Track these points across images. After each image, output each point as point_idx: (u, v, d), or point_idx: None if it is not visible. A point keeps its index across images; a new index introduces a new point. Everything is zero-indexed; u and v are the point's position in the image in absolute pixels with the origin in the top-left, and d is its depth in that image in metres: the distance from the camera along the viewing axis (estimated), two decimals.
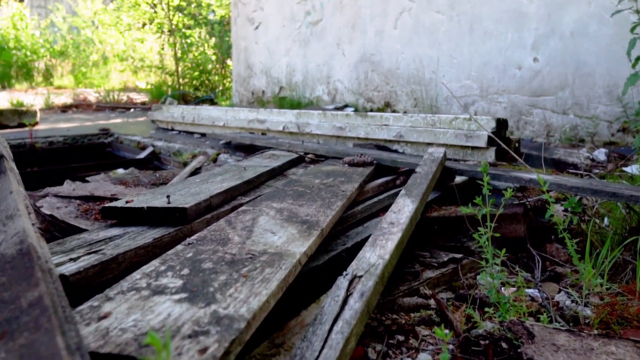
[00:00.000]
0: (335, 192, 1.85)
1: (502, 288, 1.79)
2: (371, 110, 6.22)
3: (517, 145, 3.04)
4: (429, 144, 3.20)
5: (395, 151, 3.37)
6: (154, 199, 1.53)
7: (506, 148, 2.40)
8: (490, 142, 2.91)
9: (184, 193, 1.63)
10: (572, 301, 1.68)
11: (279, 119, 4.25)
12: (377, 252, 1.35)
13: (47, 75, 14.96)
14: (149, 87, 10.44)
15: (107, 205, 1.48)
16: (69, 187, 3.02)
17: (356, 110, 6.27)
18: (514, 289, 1.82)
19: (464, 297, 1.69)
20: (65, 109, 8.14)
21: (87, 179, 3.26)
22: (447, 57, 5.47)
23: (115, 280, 1.01)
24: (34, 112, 5.84)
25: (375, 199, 2.15)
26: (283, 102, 7.23)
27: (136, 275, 0.99)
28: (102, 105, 8.36)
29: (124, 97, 9.49)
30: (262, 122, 4.39)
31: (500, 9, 4.98)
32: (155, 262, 1.06)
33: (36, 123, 5.84)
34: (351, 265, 1.29)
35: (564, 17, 4.56)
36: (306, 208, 1.58)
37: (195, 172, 3.56)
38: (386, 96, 6.13)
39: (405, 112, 5.86)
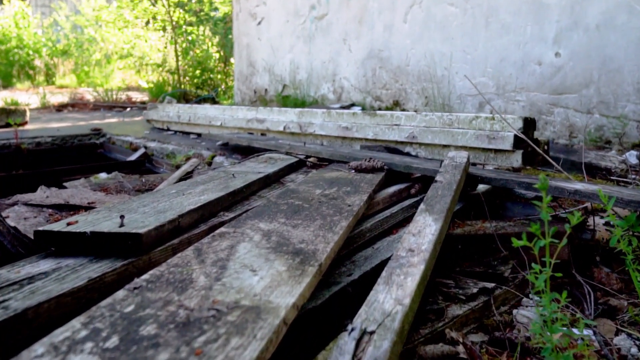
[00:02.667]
0: (339, 207, 1.50)
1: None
2: (379, 109, 5.87)
3: (545, 147, 2.69)
4: (446, 147, 2.86)
5: (408, 154, 3.02)
6: (105, 219, 1.20)
7: (541, 152, 2.05)
8: (516, 144, 2.56)
9: (148, 210, 1.29)
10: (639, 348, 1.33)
11: (280, 118, 3.91)
12: (393, 294, 1.01)
13: (49, 75, 14.75)
14: (148, 85, 10.13)
15: (40, 228, 1.15)
16: (42, 194, 2.70)
17: (363, 109, 5.92)
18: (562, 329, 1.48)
19: (500, 341, 1.35)
20: (60, 108, 7.85)
21: (64, 184, 2.94)
22: (460, 53, 5.11)
23: (21, 349, 0.68)
24: (22, 111, 5.54)
25: (387, 213, 1.81)
26: (287, 101, 6.90)
27: (38, 349, 0.65)
28: (99, 104, 8.06)
29: (122, 96, 9.19)
30: (261, 122, 4.06)
31: (518, 0, 4.62)
32: (75, 323, 0.73)
33: (25, 123, 5.54)
34: (359, 313, 0.95)
35: (588, 8, 4.19)
36: (302, 230, 1.24)
37: (186, 176, 3.23)
38: (395, 94, 5.78)
39: (416, 111, 5.51)
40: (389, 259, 1.48)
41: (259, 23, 7.56)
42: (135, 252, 1.08)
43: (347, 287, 1.25)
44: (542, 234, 1.02)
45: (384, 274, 1.11)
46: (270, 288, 0.87)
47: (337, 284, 1.26)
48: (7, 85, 13.56)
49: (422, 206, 1.51)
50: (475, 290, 1.49)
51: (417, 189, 2.14)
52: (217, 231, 1.22)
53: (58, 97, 8.88)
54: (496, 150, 2.65)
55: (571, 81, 4.35)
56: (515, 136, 2.54)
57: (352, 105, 6.06)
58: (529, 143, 2.25)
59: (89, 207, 2.58)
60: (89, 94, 9.61)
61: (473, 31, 4.98)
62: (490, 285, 1.53)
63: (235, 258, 1.02)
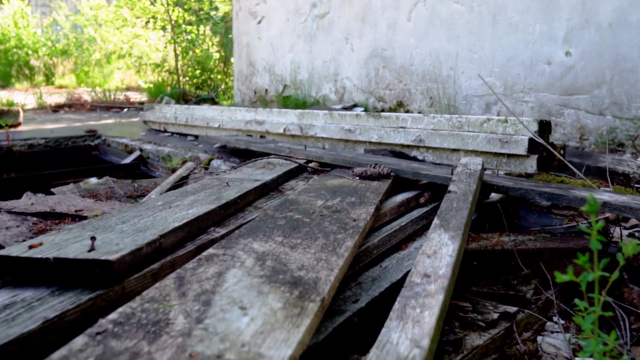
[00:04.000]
0: (343, 222, 1.35)
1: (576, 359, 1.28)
2: (382, 111, 5.71)
3: (561, 152, 2.53)
4: (455, 151, 2.70)
5: (414, 158, 2.86)
6: (75, 239, 1.04)
7: (563, 159, 1.89)
8: (531, 148, 2.40)
9: (126, 228, 1.14)
10: None
11: (280, 120, 3.75)
12: (409, 333, 0.86)
13: (49, 75, 14.63)
14: (147, 86, 9.98)
15: None
16: (27, 200, 2.55)
17: (366, 110, 5.76)
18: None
19: None
20: (57, 108, 7.69)
21: (52, 190, 2.79)
22: (466, 52, 4.95)
23: None
24: (15, 112, 5.39)
25: (396, 225, 1.65)
26: (287, 102, 6.74)
27: None
28: (96, 104, 7.91)
29: (121, 96, 9.03)
30: (260, 124, 3.90)
31: None
32: None
33: (18, 124, 5.39)
34: (369, 357, 0.80)
35: (600, 6, 4.03)
36: (301, 252, 1.08)
37: (181, 181, 3.08)
38: (399, 95, 5.61)
39: (421, 112, 5.35)
40: (399, 281, 1.32)
41: (259, 22, 7.40)
42: (106, 282, 0.92)
43: (353, 317, 1.10)
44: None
45: (396, 305, 0.95)
46: (262, 334, 0.71)
47: (341, 313, 1.10)
48: (6, 85, 13.43)
49: (436, 221, 1.35)
50: (495, 316, 1.33)
51: (426, 197, 1.98)
52: (205, 253, 1.06)
53: (55, 98, 8.72)
54: (509, 155, 2.49)
55: (582, 81, 4.19)
56: (530, 140, 2.38)
57: (355, 106, 5.90)
58: (548, 148, 2.09)
59: (76, 216, 2.43)
60: (87, 95, 9.46)
61: (480, 29, 4.82)
62: (512, 309, 1.37)
63: (223, 290, 0.87)
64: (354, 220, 1.37)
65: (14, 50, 14.33)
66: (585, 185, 2.47)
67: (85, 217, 2.39)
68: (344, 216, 1.41)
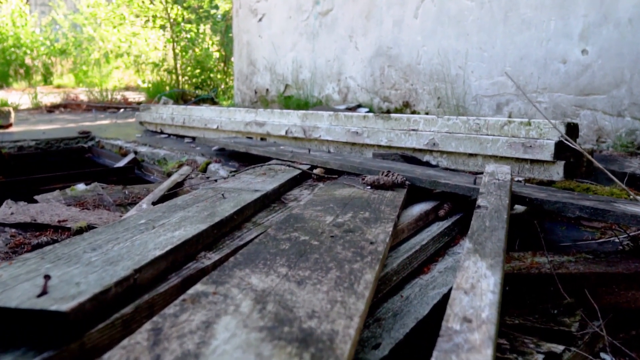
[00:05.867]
0: (358, 245, 1.13)
1: None
2: (387, 111, 5.50)
3: (590, 156, 2.31)
4: (472, 156, 2.48)
5: (427, 163, 2.65)
6: (27, 276, 0.83)
7: (605, 171, 1.68)
8: (557, 153, 2.19)
9: (95, 258, 0.93)
10: None
11: (281, 121, 3.54)
12: None
13: (47, 74, 14.46)
14: (145, 85, 9.76)
15: None
16: (6, 209, 2.34)
17: (370, 111, 5.54)
18: None
19: None
20: (52, 108, 7.48)
21: (35, 197, 2.58)
22: (476, 50, 4.73)
23: None
24: (6, 112, 5.18)
25: (416, 245, 1.44)
26: (289, 102, 6.52)
27: None
28: (93, 104, 7.70)
29: (118, 96, 8.82)
30: (261, 125, 3.69)
31: None
32: None
33: (9, 125, 5.18)
34: None
35: (620, 1, 3.81)
36: (310, 290, 0.87)
37: (176, 187, 2.87)
38: (405, 95, 5.40)
39: (427, 113, 5.13)
40: (426, 317, 1.11)
41: (260, 19, 7.19)
42: (59, 338, 0.72)
43: None
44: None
45: None
46: None
47: None
48: (4, 85, 13.24)
49: (468, 245, 1.14)
50: (540, 358, 1.12)
51: (446, 210, 1.77)
52: (191, 291, 0.85)
53: (51, 98, 8.52)
54: (532, 161, 2.28)
55: (600, 81, 3.98)
56: (557, 145, 2.17)
57: (359, 106, 5.69)
58: (582, 152, 1.87)
59: (59, 227, 2.22)
60: (84, 94, 9.25)
61: (490, 27, 4.61)
62: (558, 348, 1.16)
63: (210, 352, 0.66)
64: (371, 243, 1.15)
65: (12, 49, 14.18)
66: (618, 195, 2.25)
67: (68, 229, 2.18)
68: (358, 237, 1.20)
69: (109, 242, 1.04)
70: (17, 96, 8.77)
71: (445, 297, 1.18)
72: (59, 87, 13.22)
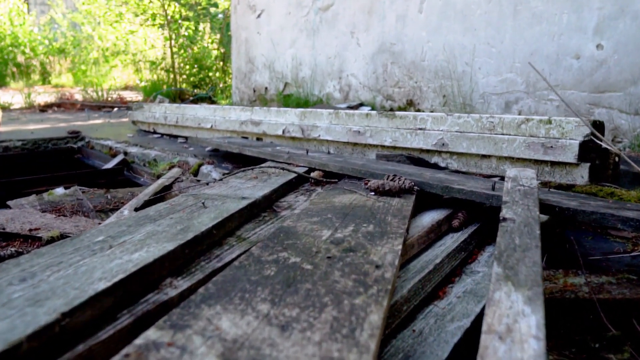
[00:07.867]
0: (361, 270, 0.92)
1: None
2: (391, 110, 5.28)
3: (616, 159, 2.10)
4: (485, 157, 2.26)
5: (436, 165, 2.43)
6: None
7: (636, 167, 1.45)
8: (582, 155, 1.97)
9: (18, 294, 0.71)
10: None
11: (278, 120, 3.33)
12: None
13: (45, 74, 14.29)
14: (142, 84, 9.56)
15: None
16: None
17: (373, 110, 5.32)
18: None
19: None
20: (45, 108, 7.28)
21: (8, 203, 2.36)
22: (484, 46, 4.51)
23: None
24: None
25: (429, 263, 1.22)
26: (288, 101, 6.30)
27: None
28: (87, 104, 7.49)
29: (115, 95, 8.61)
30: (257, 125, 3.47)
31: None
32: None
33: None
34: None
35: None
36: (297, 341, 0.65)
37: (163, 191, 2.65)
38: (409, 93, 5.18)
39: (432, 111, 4.92)
40: None
41: (259, 16, 6.97)
42: None
43: None
44: None
45: None
46: None
47: None
48: (1, 84, 13.07)
49: (497, 269, 0.92)
50: None
51: (460, 219, 1.55)
52: (139, 341, 0.64)
53: (45, 97, 8.31)
54: (553, 163, 2.06)
55: (616, 77, 3.75)
56: (581, 145, 1.95)
57: (361, 105, 5.47)
58: (621, 156, 1.65)
59: (29, 237, 2.00)
60: (79, 94, 9.04)
61: (499, 21, 4.38)
62: None
63: None
64: (377, 267, 0.93)
65: (10, 48, 14.04)
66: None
67: (39, 239, 1.97)
68: (361, 259, 0.98)
69: (47, 267, 0.83)
70: (8, 95, 8.57)
71: (468, 333, 0.97)
72: (57, 86, 13.05)
